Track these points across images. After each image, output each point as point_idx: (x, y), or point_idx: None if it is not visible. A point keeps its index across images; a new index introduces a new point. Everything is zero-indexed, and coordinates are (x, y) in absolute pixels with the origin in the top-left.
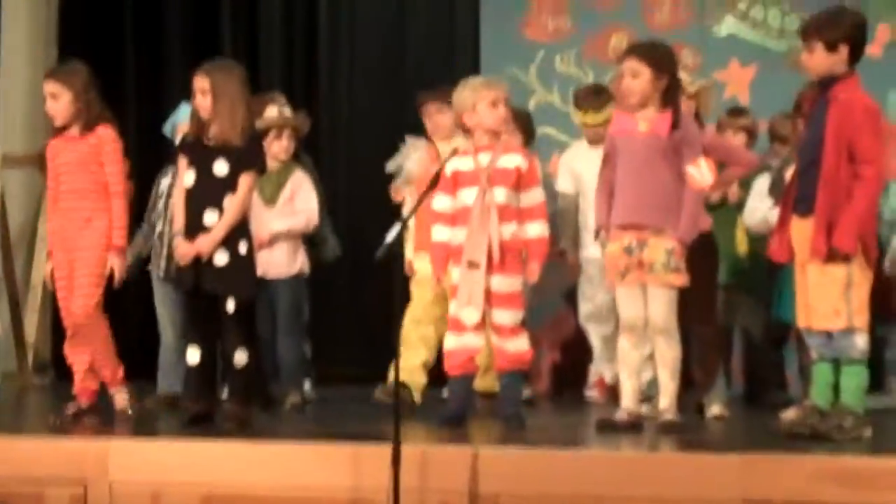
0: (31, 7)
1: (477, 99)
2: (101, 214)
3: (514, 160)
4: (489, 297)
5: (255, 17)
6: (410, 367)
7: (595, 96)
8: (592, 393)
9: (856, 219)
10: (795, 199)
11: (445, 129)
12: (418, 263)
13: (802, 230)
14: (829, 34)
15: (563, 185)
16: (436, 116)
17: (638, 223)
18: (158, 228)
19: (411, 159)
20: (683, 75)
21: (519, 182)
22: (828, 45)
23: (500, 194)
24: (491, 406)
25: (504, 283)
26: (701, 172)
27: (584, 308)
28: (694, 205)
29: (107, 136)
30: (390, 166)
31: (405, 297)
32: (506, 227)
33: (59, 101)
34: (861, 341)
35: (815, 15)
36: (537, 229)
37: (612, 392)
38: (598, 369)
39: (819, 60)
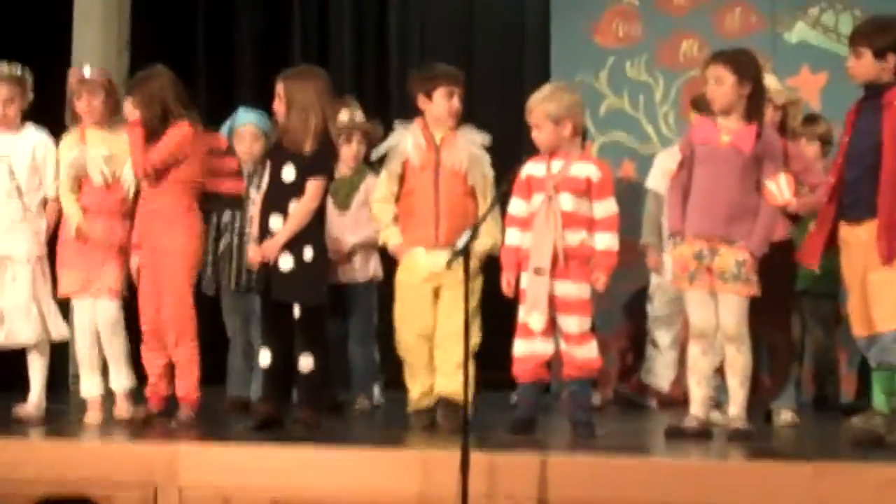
0: (103, 11)
1: (529, 116)
2: (185, 212)
3: (585, 169)
4: (556, 303)
5: (325, 21)
6: (428, 390)
7: None
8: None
9: None
10: (846, 205)
11: (455, 117)
12: (410, 262)
13: (856, 236)
14: (878, 42)
15: (655, 183)
16: (448, 101)
17: (711, 234)
18: (226, 241)
19: (408, 144)
20: (775, 85)
21: (589, 191)
22: (876, 52)
23: (567, 201)
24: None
25: (570, 289)
26: (780, 188)
27: (653, 310)
28: (769, 218)
29: (174, 129)
30: (380, 151)
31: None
32: (572, 234)
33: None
34: None
35: (864, 22)
36: (606, 241)
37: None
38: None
39: (866, 67)
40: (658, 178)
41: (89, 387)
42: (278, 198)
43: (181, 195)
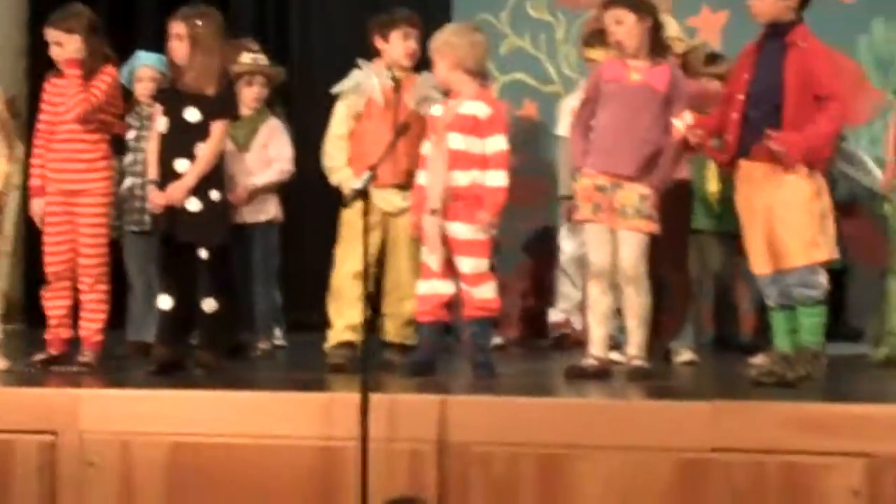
0: None
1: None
2: (104, 156)
3: (474, 107)
4: (451, 244)
5: None
6: (354, 325)
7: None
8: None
9: (814, 136)
10: (749, 143)
11: (411, 58)
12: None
13: (760, 172)
14: None
15: (565, 129)
16: (404, 42)
17: (616, 171)
18: (128, 182)
19: (374, 83)
20: (675, 31)
21: (478, 129)
22: None
23: (456, 140)
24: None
25: (462, 230)
26: (686, 125)
27: (567, 252)
28: (674, 155)
29: (106, 71)
30: (341, 87)
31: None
32: (462, 175)
33: (65, 49)
34: (823, 279)
35: None
36: (493, 178)
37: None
38: (561, 316)
39: (768, 6)
40: (568, 123)
41: None
42: (182, 140)
43: (100, 138)
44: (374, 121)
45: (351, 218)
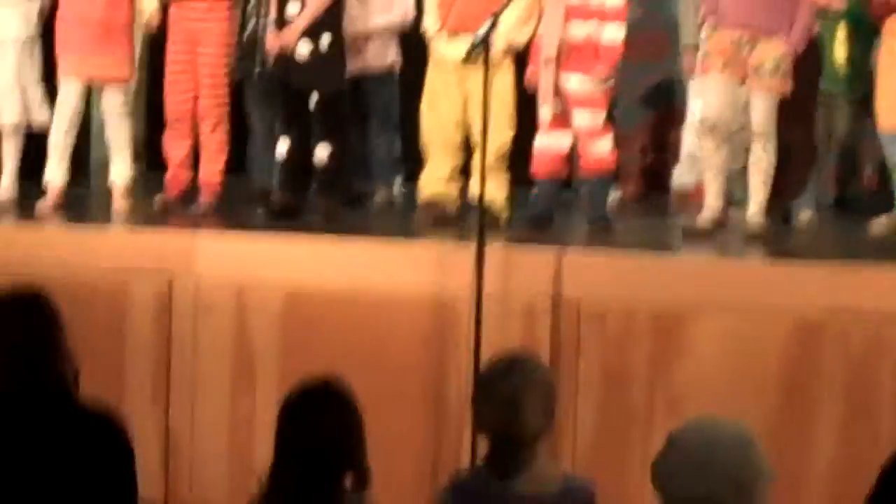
0: None
1: None
2: (221, 8)
3: None
4: (567, 96)
5: None
6: (437, 177)
7: None
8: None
9: None
10: None
11: None
12: (443, 48)
13: None
14: None
15: None
16: None
17: (753, 24)
18: (251, 26)
19: None
20: None
21: None
22: None
23: None
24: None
25: (580, 82)
26: None
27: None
28: (809, 14)
29: None
30: None
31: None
32: (579, 26)
33: None
34: None
35: None
36: (609, 32)
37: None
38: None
39: None
40: None
41: (55, 174)
42: None
43: None
44: None
45: (431, 66)
